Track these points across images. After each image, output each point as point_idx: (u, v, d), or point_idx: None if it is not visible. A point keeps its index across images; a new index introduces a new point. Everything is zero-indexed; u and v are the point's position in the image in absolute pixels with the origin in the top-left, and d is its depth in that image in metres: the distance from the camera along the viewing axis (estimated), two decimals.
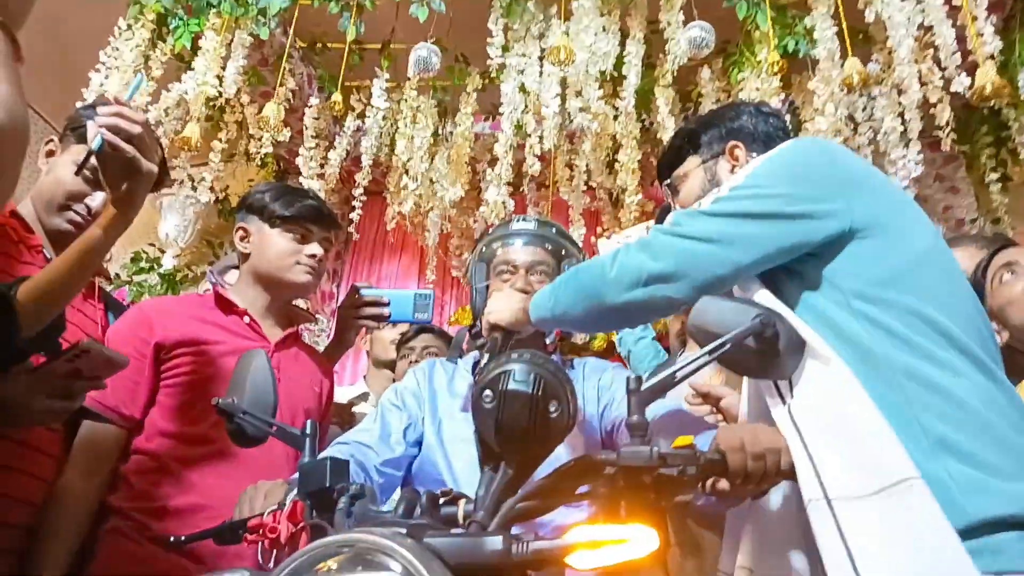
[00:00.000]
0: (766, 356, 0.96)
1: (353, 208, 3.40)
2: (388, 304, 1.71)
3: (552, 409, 0.77)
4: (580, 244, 1.69)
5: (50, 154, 1.48)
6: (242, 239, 1.65)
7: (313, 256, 1.61)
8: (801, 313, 1.06)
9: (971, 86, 2.55)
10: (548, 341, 1.54)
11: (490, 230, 1.67)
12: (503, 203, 3.06)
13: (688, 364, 0.92)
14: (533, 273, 1.51)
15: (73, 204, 1.43)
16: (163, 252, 3.81)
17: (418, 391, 1.48)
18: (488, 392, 0.77)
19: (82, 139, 1.42)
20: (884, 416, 0.93)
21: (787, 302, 1.07)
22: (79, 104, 2.86)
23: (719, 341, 0.94)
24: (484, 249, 1.60)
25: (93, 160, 1.18)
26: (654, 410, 1.19)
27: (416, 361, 2.54)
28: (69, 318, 1.33)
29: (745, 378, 1.18)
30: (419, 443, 1.41)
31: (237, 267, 2.32)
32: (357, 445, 1.32)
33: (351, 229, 3.56)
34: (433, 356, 2.56)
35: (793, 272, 1.10)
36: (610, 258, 1.16)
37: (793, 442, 0.97)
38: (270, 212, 1.61)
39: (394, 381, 2.86)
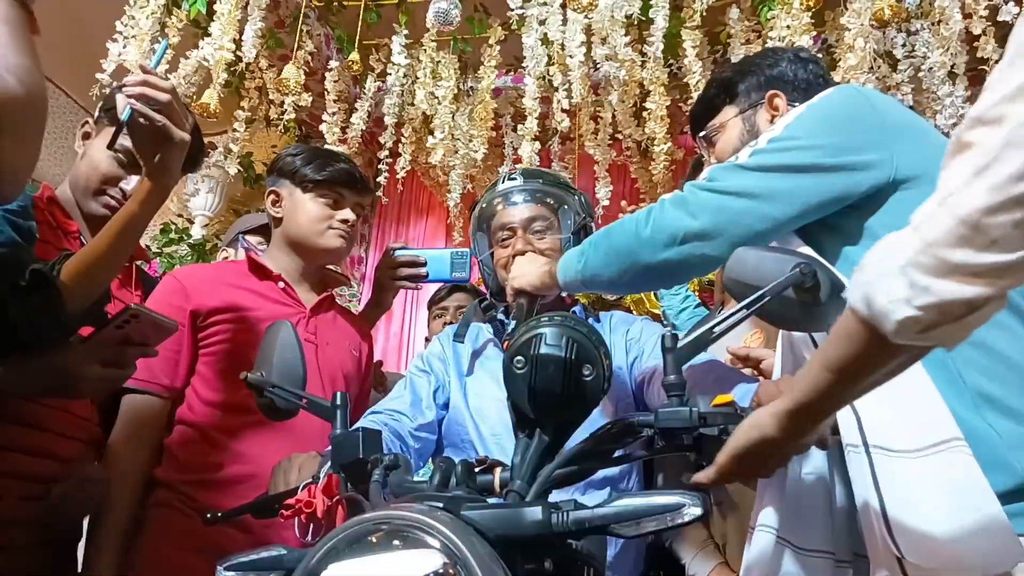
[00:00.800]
0: (807, 307, 0.92)
1: (379, 172, 3.37)
2: (425, 264, 1.69)
3: (586, 372, 0.74)
4: (590, 198, 1.60)
5: (86, 136, 1.47)
6: (274, 203, 1.62)
7: (346, 221, 1.59)
8: (841, 268, 1.01)
9: (1019, 13, 2.41)
10: (563, 294, 1.48)
11: (481, 195, 1.60)
12: (532, 160, 3.00)
13: (725, 319, 0.88)
14: (531, 231, 1.45)
15: (108, 188, 1.42)
16: (191, 222, 3.83)
17: (443, 354, 1.47)
18: (519, 358, 0.74)
19: (116, 119, 1.41)
20: (927, 371, 0.90)
21: (826, 257, 1.02)
22: (98, 75, 2.89)
23: (757, 294, 0.90)
24: (479, 216, 1.53)
25: (125, 134, 1.16)
26: (703, 380, 1.16)
27: (450, 322, 2.52)
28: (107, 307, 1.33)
29: (781, 333, 1.14)
30: (447, 405, 1.40)
31: (252, 231, 2.30)
32: (390, 413, 1.32)
33: (378, 193, 3.53)
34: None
35: (833, 226, 1.06)
36: (643, 216, 1.11)
37: None
38: (302, 176, 1.58)
39: (426, 339, 2.86)
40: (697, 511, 0.66)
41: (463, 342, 1.48)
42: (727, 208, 1.05)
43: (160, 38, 3.04)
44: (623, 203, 3.29)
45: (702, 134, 1.38)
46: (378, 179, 3.38)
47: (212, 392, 1.44)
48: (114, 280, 1.23)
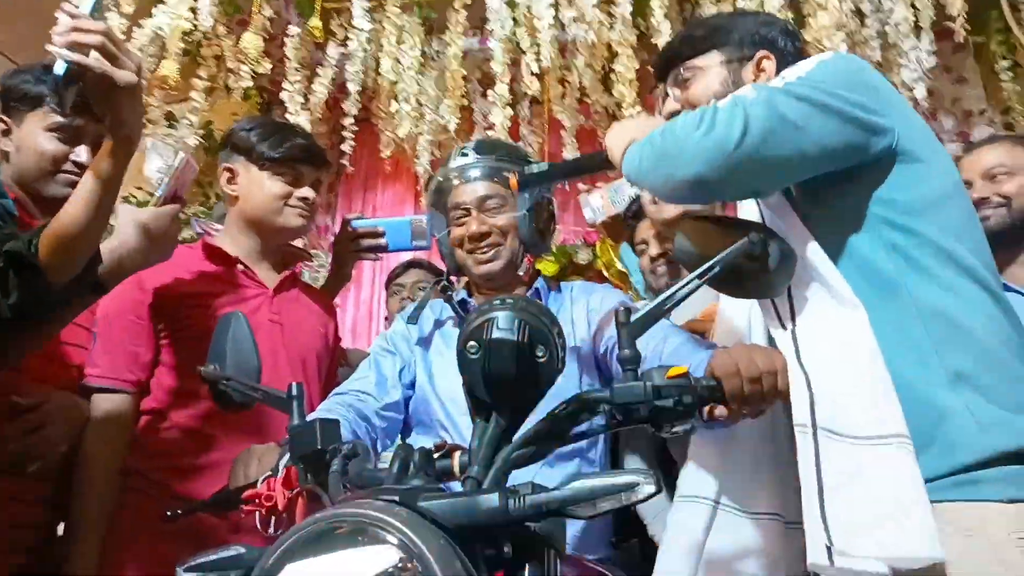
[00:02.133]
0: (757, 275, 0.94)
1: (343, 139, 3.31)
2: (384, 234, 1.66)
3: (540, 354, 0.75)
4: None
5: (6, 133, 1.39)
6: (229, 181, 1.58)
7: (305, 199, 1.56)
8: (825, 238, 1.02)
9: None
10: (520, 272, 1.47)
11: (435, 173, 1.56)
12: (504, 126, 2.95)
13: (677, 291, 0.89)
14: (485, 211, 1.42)
15: (62, 166, 1.37)
16: (152, 195, 3.73)
17: (407, 333, 1.46)
18: (472, 343, 0.74)
19: (35, 103, 1.35)
20: (903, 349, 0.94)
21: (813, 228, 1.03)
22: (48, 47, 2.77)
23: (708, 263, 0.91)
24: (433, 194, 1.50)
25: (78, 87, 1.06)
26: (662, 346, 1.16)
27: (408, 298, 2.50)
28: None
29: (751, 302, 1.15)
30: (413, 384, 1.40)
31: None
32: (355, 394, 1.32)
33: (343, 161, 3.47)
34: (422, 291, 2.51)
35: (821, 196, 1.05)
36: (696, 119, 0.99)
37: (792, 365, 0.96)
38: (259, 153, 1.53)
39: (386, 319, 2.84)
40: (651, 489, 0.67)
41: (416, 323, 1.46)
42: (775, 132, 0.96)
43: (113, 7, 2.93)
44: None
45: (676, 71, 1.28)
46: (342, 146, 3.32)
47: (176, 381, 1.43)
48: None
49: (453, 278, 1.53)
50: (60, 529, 1.40)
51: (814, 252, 1.00)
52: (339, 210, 4.16)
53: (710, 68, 1.25)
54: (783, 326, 1.00)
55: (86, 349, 1.42)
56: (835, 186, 1.03)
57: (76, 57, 1.01)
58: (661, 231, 1.84)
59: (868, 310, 0.96)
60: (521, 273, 1.47)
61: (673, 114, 1.21)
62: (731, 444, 1.12)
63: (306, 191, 1.56)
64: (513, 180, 1.24)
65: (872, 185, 1.02)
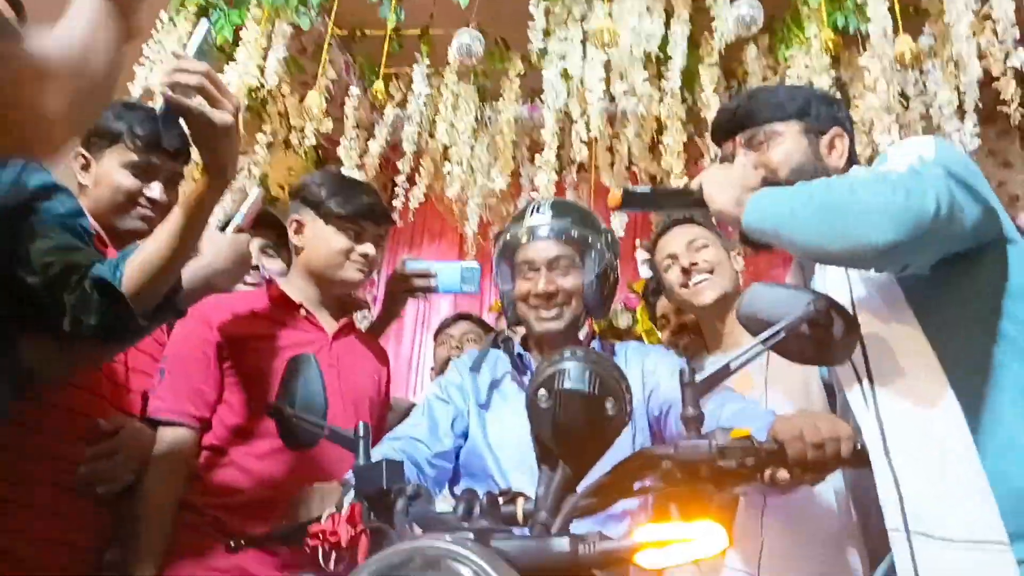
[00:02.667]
0: (821, 343, 0.94)
1: (395, 195, 3.42)
2: (435, 276, 1.71)
3: (608, 407, 0.76)
4: (609, 227, 1.59)
5: (85, 167, 1.46)
6: (296, 232, 1.64)
7: (366, 256, 1.60)
8: (931, 322, 1.00)
9: None
10: (581, 336, 1.50)
11: (508, 225, 1.58)
12: (548, 190, 3.04)
13: (742, 354, 0.90)
14: (555, 269, 1.44)
15: (137, 200, 1.43)
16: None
17: (462, 384, 1.47)
18: (543, 392, 0.76)
19: (113, 139, 1.41)
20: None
21: (917, 310, 1.02)
22: (124, 99, 2.95)
23: (772, 330, 0.92)
24: (503, 246, 1.52)
25: (180, 126, 1.08)
26: (719, 411, 1.17)
27: (457, 347, 2.54)
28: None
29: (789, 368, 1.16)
30: (465, 434, 1.41)
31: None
32: (408, 440, 1.33)
33: (393, 216, 3.58)
34: (472, 343, 2.57)
35: (934, 278, 1.02)
36: (899, 185, 0.95)
37: (879, 461, 0.95)
38: (326, 209, 1.59)
39: (432, 368, 2.88)
40: (721, 544, 0.68)
41: (479, 372, 1.48)
42: (954, 208, 0.94)
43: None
44: (638, 241, 3.33)
45: (751, 133, 1.24)
46: (392, 202, 3.43)
47: (238, 419, 1.46)
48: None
49: (512, 331, 1.55)
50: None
51: (913, 335, 0.99)
52: (385, 264, 4.26)
53: (789, 135, 1.22)
54: (866, 406, 0.99)
55: (150, 376, 1.47)
56: (955, 265, 1.01)
57: (176, 97, 1.04)
58: (693, 241, 1.85)
59: (974, 398, 0.94)
60: (581, 336, 1.49)
61: None
62: (777, 524, 1.11)
63: (367, 247, 1.60)
64: (616, 196, 1.16)
65: (989, 268, 1.01)
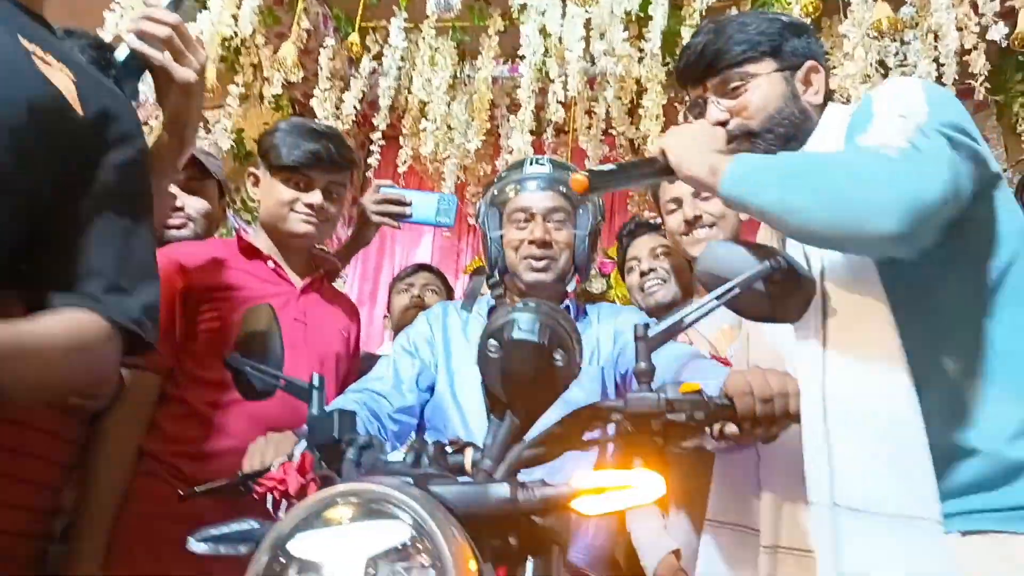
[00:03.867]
0: (776, 299, 0.94)
1: (370, 152, 3.37)
2: (411, 204, 1.68)
3: (557, 357, 0.76)
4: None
5: (256, 183, 1.58)
6: (254, 184, 1.62)
7: (311, 205, 1.54)
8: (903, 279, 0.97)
9: (1010, 33, 2.47)
10: (569, 289, 1.51)
11: (502, 172, 1.58)
12: (525, 152, 3.01)
13: (696, 309, 0.90)
14: (550, 220, 1.45)
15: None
16: None
17: (431, 337, 1.47)
18: (493, 341, 0.77)
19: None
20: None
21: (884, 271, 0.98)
22: None
23: (727, 285, 0.92)
24: (496, 193, 1.51)
25: (139, 77, 1.03)
26: (671, 364, 1.18)
27: (419, 297, 2.49)
28: None
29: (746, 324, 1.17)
30: (431, 388, 1.41)
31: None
32: (370, 393, 1.33)
33: (368, 174, 3.53)
34: (434, 295, 2.51)
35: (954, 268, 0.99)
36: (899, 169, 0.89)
37: (814, 419, 0.94)
38: (271, 159, 1.55)
39: (385, 317, 2.84)
40: (658, 491, 0.69)
41: (471, 311, 1.50)
42: (958, 189, 0.90)
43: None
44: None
45: (722, 77, 1.14)
46: (369, 160, 3.38)
47: (200, 369, 1.45)
48: None
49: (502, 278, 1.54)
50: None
51: (876, 306, 0.96)
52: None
53: (764, 77, 1.13)
54: (813, 372, 0.97)
55: None
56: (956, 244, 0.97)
57: (137, 44, 1.00)
58: (655, 248, 1.84)
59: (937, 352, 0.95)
60: (569, 290, 1.50)
61: (720, 123, 1.13)
62: (729, 471, 1.12)
63: (314, 196, 1.54)
64: (581, 180, 1.05)
65: (980, 218, 0.98)
